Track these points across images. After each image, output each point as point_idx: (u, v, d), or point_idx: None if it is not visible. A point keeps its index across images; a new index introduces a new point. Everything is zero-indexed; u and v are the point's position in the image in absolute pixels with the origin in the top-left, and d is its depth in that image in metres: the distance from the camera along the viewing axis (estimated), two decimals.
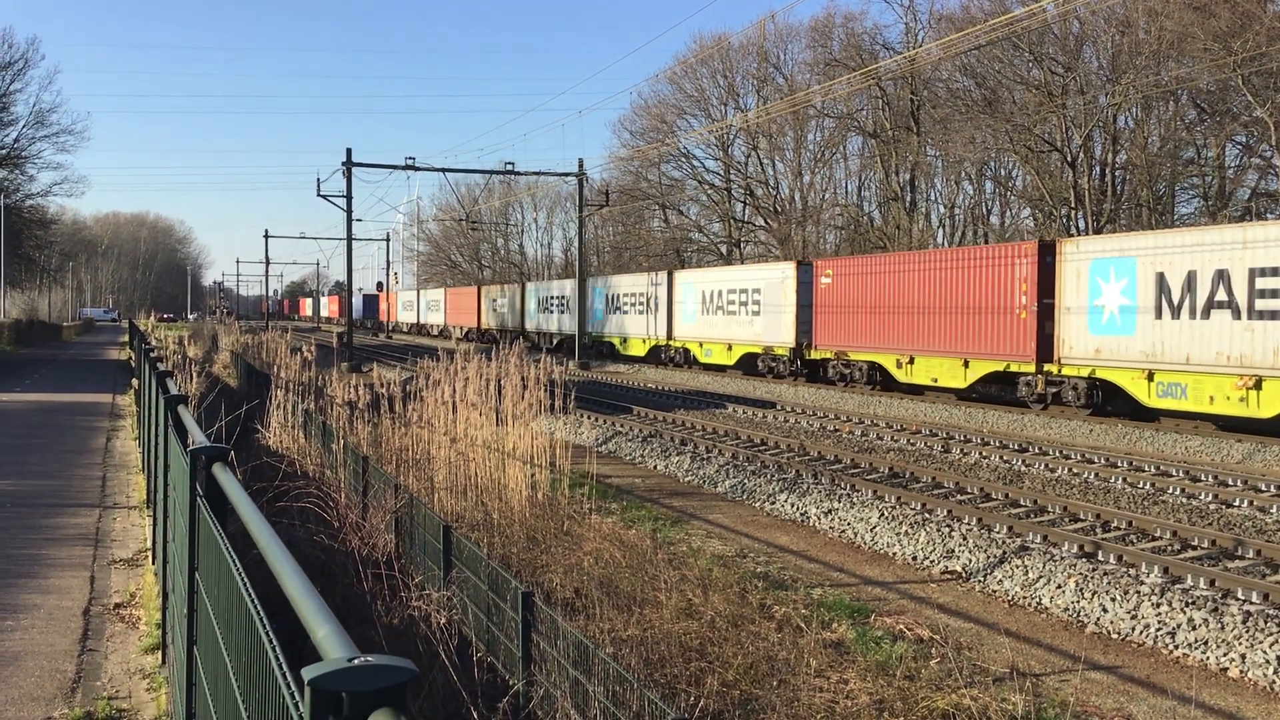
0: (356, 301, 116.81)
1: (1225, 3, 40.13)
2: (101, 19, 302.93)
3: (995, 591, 11.29)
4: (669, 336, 46.58)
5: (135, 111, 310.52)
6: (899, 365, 31.85)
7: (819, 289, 35.87)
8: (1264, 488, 16.41)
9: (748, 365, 41.41)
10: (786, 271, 38.37)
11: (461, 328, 78.08)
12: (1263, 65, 37.92)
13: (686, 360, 45.39)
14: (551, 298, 60.79)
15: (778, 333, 38.25)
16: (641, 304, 49.18)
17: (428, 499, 11.70)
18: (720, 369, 43.05)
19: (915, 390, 32.43)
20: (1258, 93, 40.01)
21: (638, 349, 49.89)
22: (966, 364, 29.44)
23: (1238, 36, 38.83)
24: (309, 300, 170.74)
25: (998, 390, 30.21)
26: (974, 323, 29.02)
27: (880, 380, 33.51)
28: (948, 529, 13.14)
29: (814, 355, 36.42)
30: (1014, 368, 27.81)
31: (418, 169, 48.58)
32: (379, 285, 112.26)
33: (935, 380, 30.48)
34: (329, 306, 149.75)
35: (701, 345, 43.88)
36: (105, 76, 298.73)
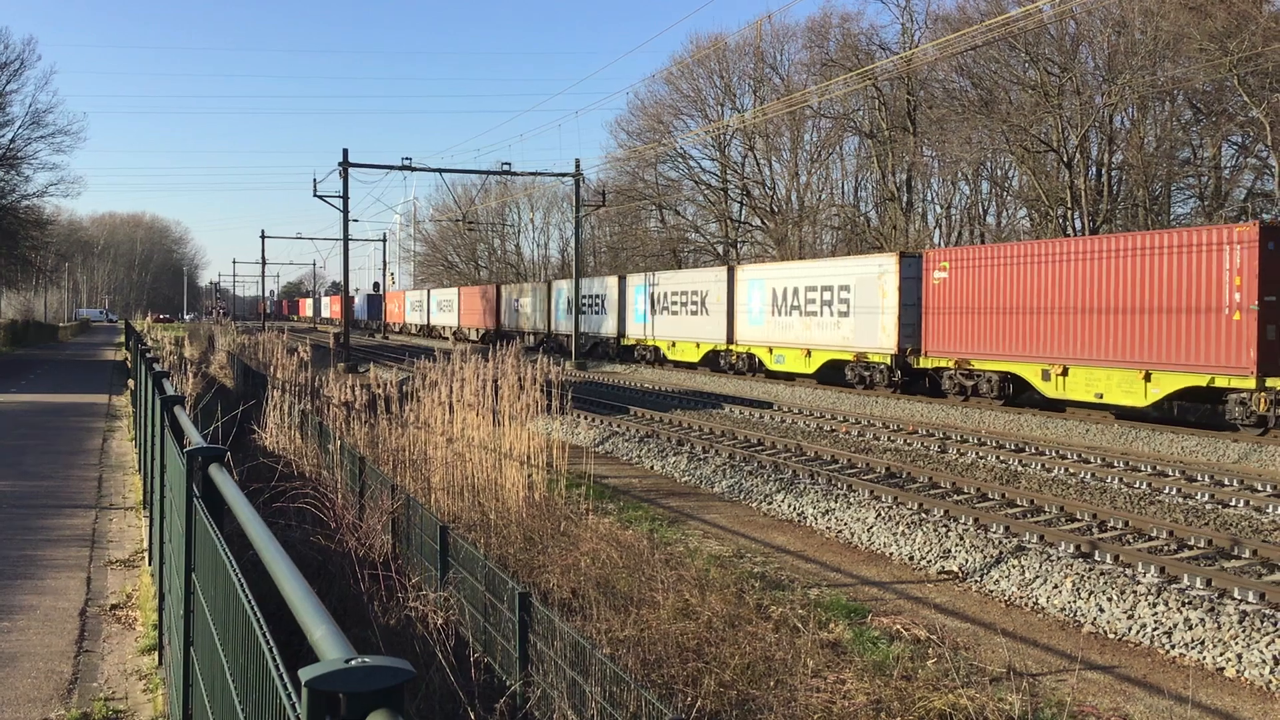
0: (361, 302, 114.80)
1: (1221, 3, 40.16)
2: (98, 19, 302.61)
3: (992, 591, 11.30)
4: (730, 340, 41.04)
5: (132, 112, 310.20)
6: (1046, 377, 26.61)
7: (930, 285, 30.58)
8: (1260, 488, 16.43)
9: (831, 374, 35.87)
10: (885, 265, 32.62)
11: (477, 330, 72.57)
12: (1258, 65, 37.96)
13: (751, 367, 40.30)
14: (587, 297, 55.05)
15: (873, 337, 32.71)
16: (695, 304, 43.78)
17: (424, 499, 11.70)
18: (792, 378, 37.84)
19: (1062, 408, 27.47)
20: (1253, 93, 40.03)
21: (689, 354, 44.70)
22: (1148, 376, 23.98)
23: (1234, 37, 38.87)
24: (309, 301, 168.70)
25: (1187, 407, 26.10)
26: (1160, 325, 23.74)
27: (1013, 394, 28.51)
28: (944, 529, 13.15)
29: (923, 364, 30.88)
30: (1221, 382, 22.47)
31: (414, 169, 48.56)
32: (375, 286, 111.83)
33: (1100, 396, 25.21)
34: (330, 307, 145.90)
35: (771, 351, 38.13)
36: (102, 77, 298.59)
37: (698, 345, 43.78)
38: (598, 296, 54.00)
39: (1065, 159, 49.16)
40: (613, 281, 52.57)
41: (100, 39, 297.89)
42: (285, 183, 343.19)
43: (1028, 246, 28.35)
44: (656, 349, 47.99)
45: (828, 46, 65.69)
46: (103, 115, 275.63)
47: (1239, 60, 37.85)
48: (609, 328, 52.54)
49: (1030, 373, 27.21)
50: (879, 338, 32.45)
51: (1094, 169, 50.04)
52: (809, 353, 35.82)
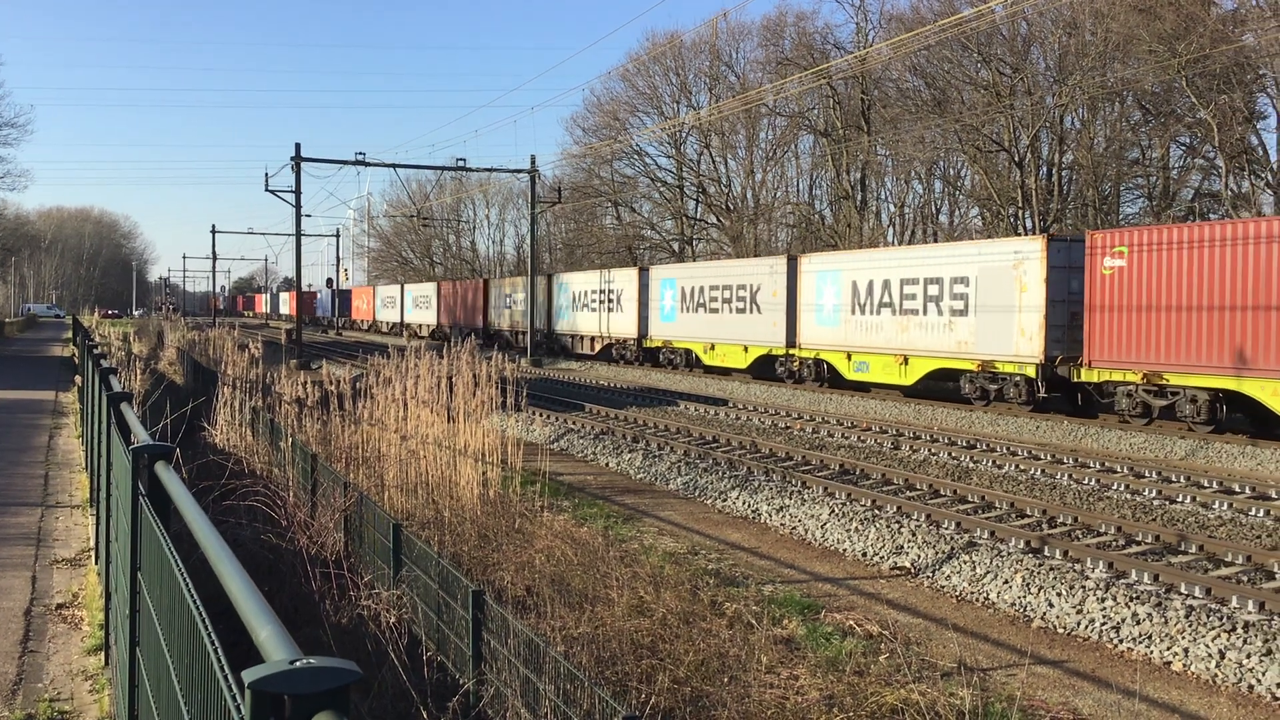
0: (324, 298, 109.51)
1: (1170, 5, 40.74)
2: (46, 9, 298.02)
3: (944, 587, 11.39)
4: (791, 344, 34.63)
5: (80, 105, 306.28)
6: None
7: (1096, 276, 24.10)
8: (1206, 484, 16.68)
9: (936, 385, 30.93)
10: (1026, 250, 26.13)
11: (461, 329, 65.32)
12: (1206, 67, 38.55)
13: (819, 375, 33.69)
14: (598, 291, 48.81)
15: (1005, 341, 26.36)
16: (741, 300, 37.42)
17: (378, 497, 11.62)
18: (881, 388, 31.86)
19: None
20: (1201, 94, 40.65)
21: (733, 359, 38.10)
22: None
23: (1182, 39, 39.44)
24: (264, 296, 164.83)
25: None
26: None
27: (1224, 415, 22.11)
28: (897, 525, 13.24)
29: (1085, 376, 24.54)
30: None
31: (368, 164, 48.22)
32: (329, 281, 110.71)
33: None
34: (290, 303, 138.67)
35: (849, 357, 31.75)
36: (49, 69, 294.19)
37: (745, 349, 37.17)
38: (611, 291, 47.23)
39: (1017, 158, 49.69)
40: (630, 274, 46.17)
41: (48, 30, 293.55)
42: (237, 177, 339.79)
43: (1262, 225, 21.35)
44: (688, 353, 41.70)
45: (783, 45, 66.00)
46: (50, 107, 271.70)
47: (1187, 62, 38.41)
48: (624, 327, 46.05)
49: (1264, 391, 20.73)
50: (1015, 342, 26.03)
51: (1045, 168, 50.63)
52: (905, 360, 29.54)
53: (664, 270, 44.78)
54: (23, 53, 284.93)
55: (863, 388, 32.51)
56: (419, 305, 77.20)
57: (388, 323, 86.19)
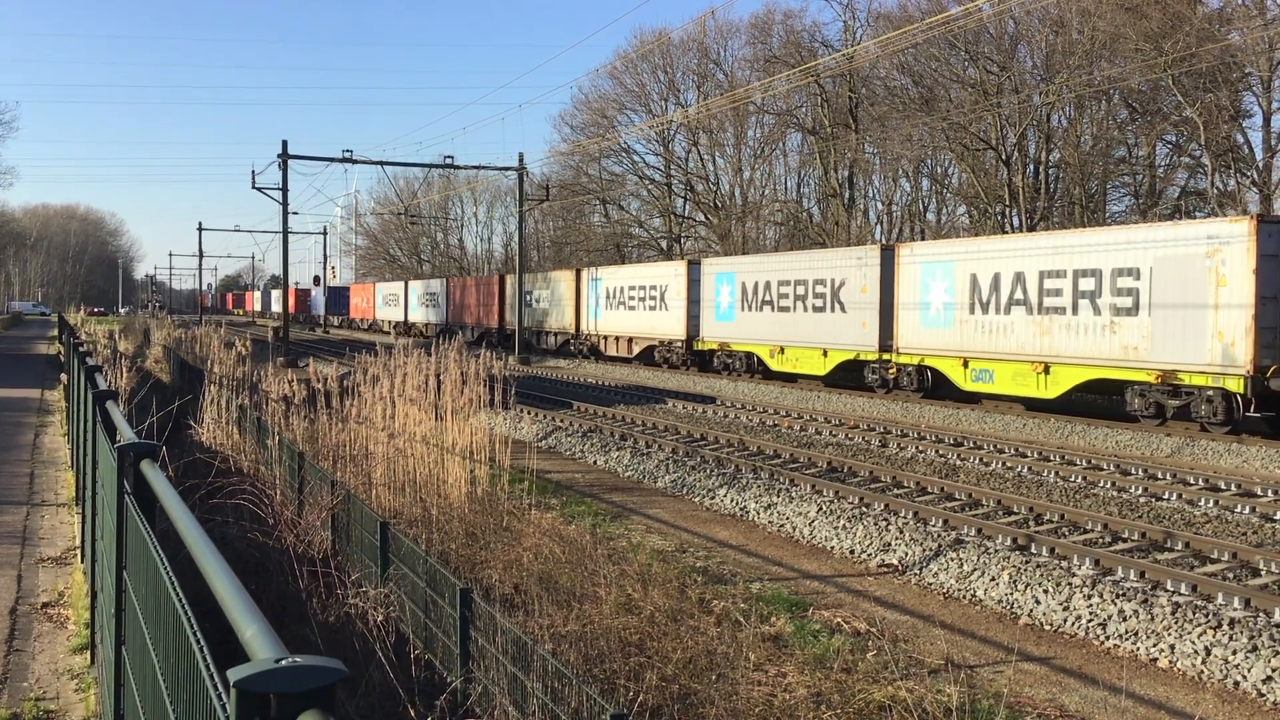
0: (320, 295, 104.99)
1: (1156, 4, 40.90)
2: (30, 7, 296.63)
3: (931, 584, 11.41)
4: (886, 348, 29.99)
5: (66, 102, 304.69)
6: None
7: None
8: (1192, 481, 16.75)
9: (1088, 399, 27.09)
10: (1225, 234, 21.36)
11: (474, 328, 61.56)
12: (1192, 66, 38.69)
13: (921, 384, 28.93)
14: (639, 288, 44.09)
15: (1193, 346, 21.85)
16: (820, 298, 32.77)
17: (365, 495, 11.60)
18: (1005, 401, 27.40)
19: None
20: (1187, 93, 40.81)
21: (808, 364, 33.39)
22: None
23: (1168, 37, 39.59)
24: (255, 294, 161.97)
25: None
26: None
27: None
28: (885, 522, 13.26)
29: None
30: None
31: (355, 162, 48.12)
32: (316, 279, 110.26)
33: None
34: (282, 301, 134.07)
35: (966, 364, 27.16)
36: (35, 66, 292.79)
37: (824, 353, 32.57)
38: (651, 288, 42.98)
39: (1004, 157, 49.82)
40: (677, 269, 41.75)
41: (33, 27, 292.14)
42: (223, 174, 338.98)
43: None
44: (750, 357, 36.96)
45: (771, 43, 66.09)
46: (36, 104, 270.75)
47: (1173, 61, 38.54)
48: (669, 327, 41.64)
49: None
50: (1208, 348, 21.53)
51: (1031, 167, 50.77)
52: (1046, 368, 24.93)
53: (720, 263, 39.58)
54: (8, 49, 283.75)
55: (971, 398, 28.30)
56: (425, 303, 73.06)
57: (390, 322, 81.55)
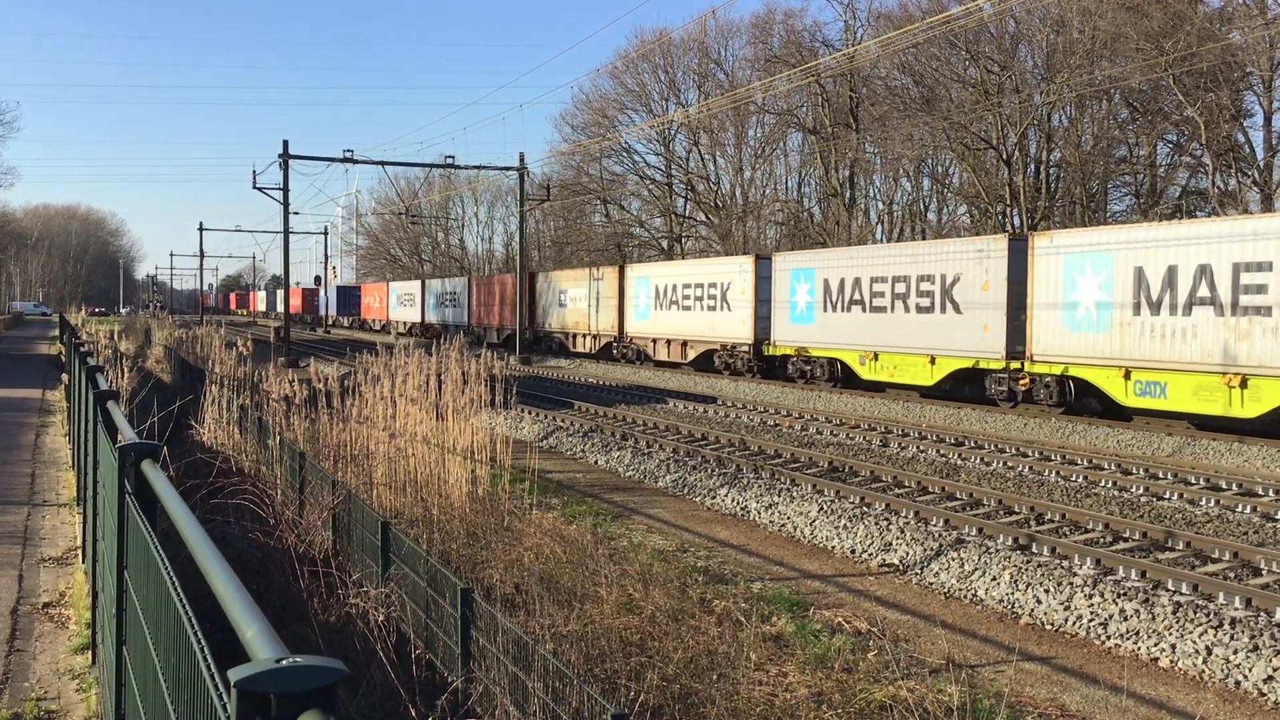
0: (330, 295, 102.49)
1: (1157, 3, 40.88)
2: (31, 6, 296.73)
3: (932, 584, 11.41)
4: (1015, 354, 25.95)
5: (67, 102, 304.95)
6: None
7: None
8: (1193, 481, 16.74)
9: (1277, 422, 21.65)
10: None
11: (498, 330, 57.65)
12: (1193, 65, 38.68)
13: (1062, 396, 24.88)
14: (695, 286, 39.95)
15: None
16: (926, 296, 28.70)
17: (366, 495, 11.60)
18: (1177, 419, 23.35)
19: None
20: (1188, 92, 40.80)
21: (912, 372, 29.00)
22: None
23: (1169, 37, 39.57)
24: (260, 294, 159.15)
25: None
26: None
27: None
28: (885, 522, 13.26)
29: None
30: None
31: (356, 162, 48.11)
32: (316, 279, 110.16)
33: None
34: (284, 300, 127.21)
35: (1128, 375, 23.10)
36: (36, 66, 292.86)
37: (931, 360, 28.33)
38: (711, 285, 38.89)
39: (1004, 156, 49.81)
40: (743, 265, 37.49)
41: (34, 27, 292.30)
42: (224, 174, 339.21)
43: None
44: (834, 364, 32.53)
45: (771, 43, 66.07)
46: (37, 104, 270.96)
47: (1174, 60, 38.53)
48: (733, 329, 37.51)
49: None
50: None
51: (1032, 166, 50.77)
52: (1244, 381, 20.77)
53: (794, 258, 35.31)
54: (9, 49, 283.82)
55: (1120, 414, 24.43)
56: (445, 303, 68.82)
57: (405, 323, 77.13)
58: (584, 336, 48.64)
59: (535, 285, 54.95)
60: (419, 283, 77.18)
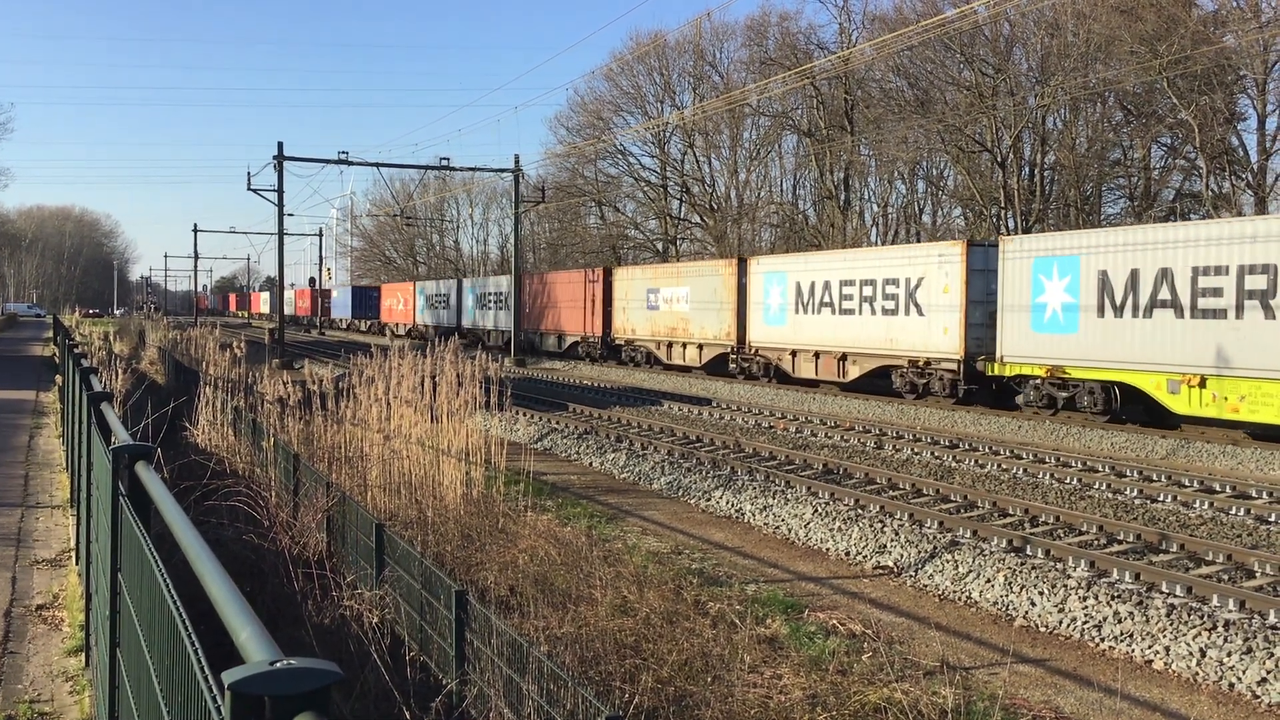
0: (343, 297, 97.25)
1: (1151, 6, 40.96)
2: (24, 7, 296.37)
3: (926, 586, 11.41)
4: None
5: (61, 103, 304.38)
6: None
7: None
8: (1187, 483, 16.76)
9: None
10: None
11: (561, 337, 50.47)
12: (1187, 68, 38.75)
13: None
14: (861, 282, 31.33)
15: None
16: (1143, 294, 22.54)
17: (360, 497, 11.58)
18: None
19: None
20: (1182, 95, 40.87)
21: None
22: None
23: (1163, 40, 39.66)
24: (263, 295, 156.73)
25: None
26: None
27: None
28: (880, 525, 13.26)
29: None
30: None
31: (351, 163, 48.07)
32: (311, 281, 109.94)
33: None
34: (296, 302, 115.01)
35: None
36: (30, 67, 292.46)
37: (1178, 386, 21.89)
38: (888, 282, 30.24)
39: (999, 159, 49.88)
40: (944, 252, 28.73)
41: (29, 28, 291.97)
42: (219, 176, 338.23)
43: None
44: (1110, 390, 23.89)
45: (766, 45, 66.13)
46: (31, 106, 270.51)
47: (1168, 63, 38.60)
48: (927, 341, 28.75)
49: None
50: None
51: (1027, 169, 50.86)
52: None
53: (1040, 242, 25.98)
54: (2, 51, 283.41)
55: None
56: (489, 304, 59.81)
57: (434, 327, 67.76)
58: (684, 346, 40.62)
59: (611, 284, 46.68)
60: (454, 282, 68.18)
